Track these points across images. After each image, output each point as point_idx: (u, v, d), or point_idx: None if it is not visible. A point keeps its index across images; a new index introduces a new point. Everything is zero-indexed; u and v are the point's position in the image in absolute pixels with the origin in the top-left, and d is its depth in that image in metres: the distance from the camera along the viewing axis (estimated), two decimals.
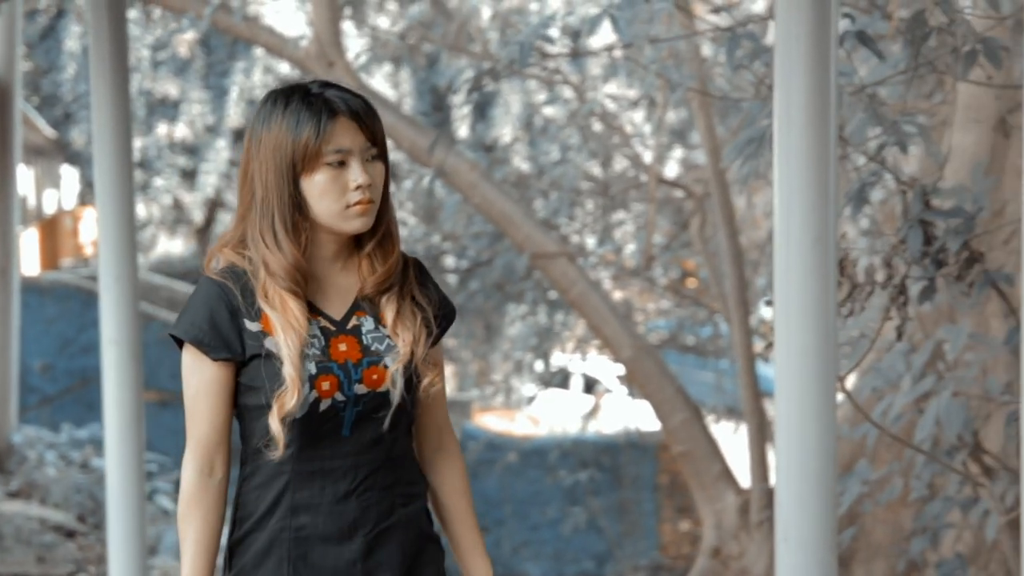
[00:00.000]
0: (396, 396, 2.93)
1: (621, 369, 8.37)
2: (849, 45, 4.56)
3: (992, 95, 5.86)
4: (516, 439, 14.28)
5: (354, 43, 15.03)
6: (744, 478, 8.59)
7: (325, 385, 2.90)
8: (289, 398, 2.85)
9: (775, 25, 3.60)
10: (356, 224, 2.93)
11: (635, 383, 8.48)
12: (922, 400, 5.86)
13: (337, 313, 2.98)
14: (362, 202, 2.91)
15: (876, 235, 7.20)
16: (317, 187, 2.91)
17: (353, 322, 2.98)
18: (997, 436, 6.18)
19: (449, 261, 11.58)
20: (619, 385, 16.28)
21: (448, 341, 14.21)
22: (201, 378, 2.93)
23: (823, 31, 3.52)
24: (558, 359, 14.53)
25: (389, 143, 9.11)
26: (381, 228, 2.99)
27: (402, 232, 12.08)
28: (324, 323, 2.95)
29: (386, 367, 2.94)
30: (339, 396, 2.91)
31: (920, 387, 5.78)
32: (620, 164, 10.63)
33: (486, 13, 11.45)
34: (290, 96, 2.94)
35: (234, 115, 20.96)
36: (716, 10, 6.40)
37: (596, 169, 10.34)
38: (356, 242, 3.01)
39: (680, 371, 12.31)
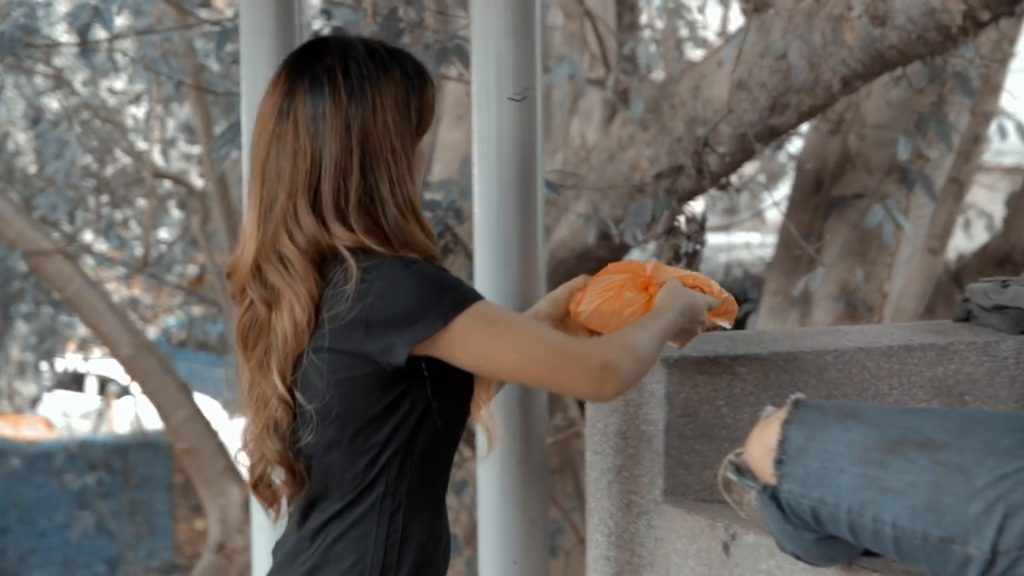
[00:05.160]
0: None
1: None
2: None
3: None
4: (21, 444, 13.83)
5: None
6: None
7: None
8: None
9: (241, 20, 3.63)
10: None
11: (137, 381, 8.38)
12: None
13: None
14: None
15: None
16: (419, 158, 2.38)
17: None
18: None
19: None
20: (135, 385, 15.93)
21: None
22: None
23: (287, 26, 3.57)
24: (70, 360, 14.12)
25: None
26: None
27: None
28: None
29: None
30: None
31: None
32: (124, 160, 10.44)
33: None
34: (381, 48, 2.39)
35: None
36: (203, 4, 6.39)
37: (96, 165, 10.11)
38: None
39: (195, 369, 12.18)
